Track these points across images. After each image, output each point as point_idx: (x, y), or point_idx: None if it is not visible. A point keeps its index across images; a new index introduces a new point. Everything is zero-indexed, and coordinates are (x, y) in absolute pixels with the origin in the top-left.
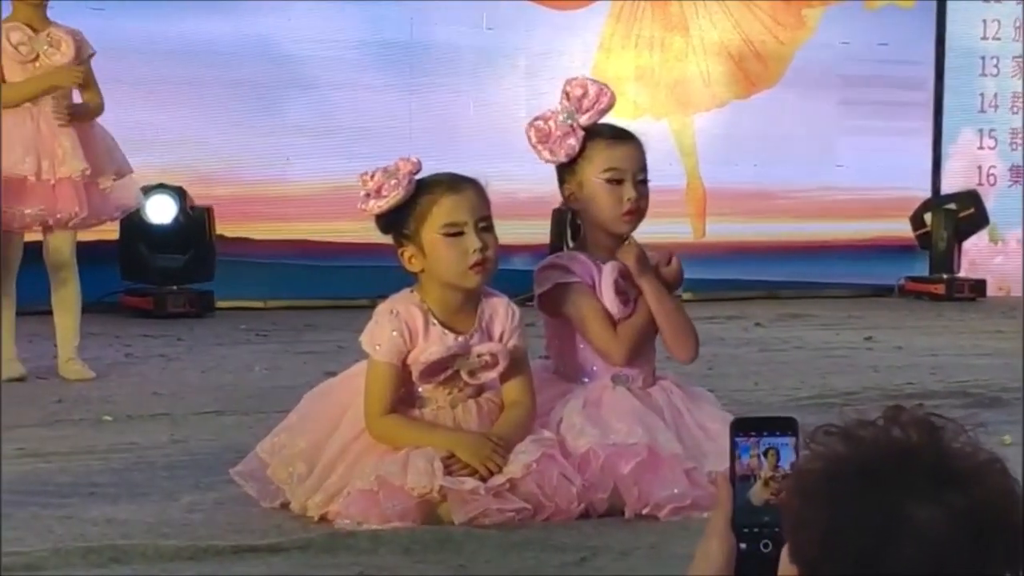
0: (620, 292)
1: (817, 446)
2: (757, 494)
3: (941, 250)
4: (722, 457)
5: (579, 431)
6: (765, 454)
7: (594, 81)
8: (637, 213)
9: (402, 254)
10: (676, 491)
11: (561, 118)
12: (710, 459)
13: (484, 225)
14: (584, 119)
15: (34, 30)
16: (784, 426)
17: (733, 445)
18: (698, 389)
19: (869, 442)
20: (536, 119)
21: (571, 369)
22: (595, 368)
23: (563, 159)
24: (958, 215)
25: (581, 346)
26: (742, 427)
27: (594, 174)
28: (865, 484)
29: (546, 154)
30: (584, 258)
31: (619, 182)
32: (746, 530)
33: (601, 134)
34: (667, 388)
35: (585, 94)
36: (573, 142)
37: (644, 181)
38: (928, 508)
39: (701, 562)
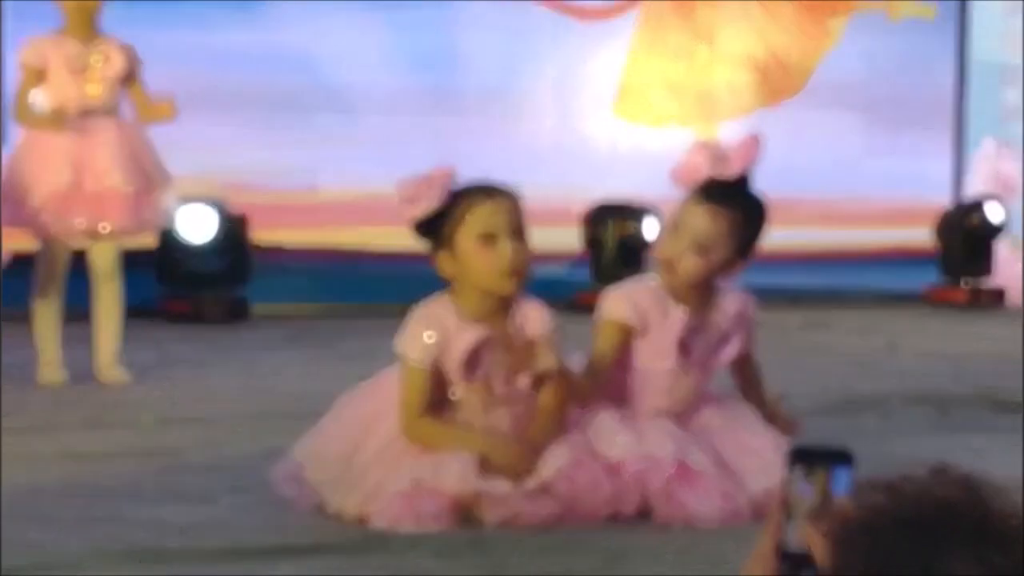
0: (682, 346)
1: (860, 498)
2: (796, 531)
3: (951, 257)
4: (765, 474)
5: (611, 438)
6: (806, 483)
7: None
8: (672, 269)
9: (437, 261)
10: (711, 510)
11: (707, 160)
12: (751, 476)
13: (518, 233)
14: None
15: (85, 43)
16: (840, 457)
17: (787, 470)
18: (740, 408)
19: (911, 496)
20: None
21: (611, 397)
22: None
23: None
24: (965, 222)
25: (626, 379)
26: (798, 456)
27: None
28: (904, 534)
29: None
30: (649, 297)
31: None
32: (792, 555)
33: (701, 191)
34: (706, 415)
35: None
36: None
37: (699, 252)
38: (968, 563)
39: None
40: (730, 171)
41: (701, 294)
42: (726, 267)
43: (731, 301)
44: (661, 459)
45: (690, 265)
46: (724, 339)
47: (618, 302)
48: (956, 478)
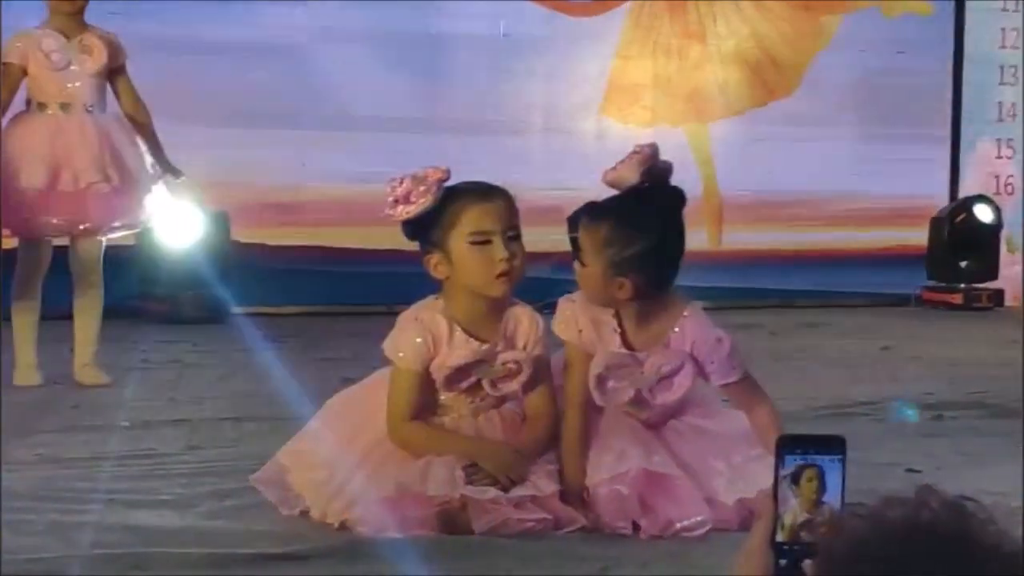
0: (601, 383)
1: (845, 527)
2: (787, 528)
3: (946, 258)
4: (735, 484)
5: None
6: (799, 479)
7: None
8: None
9: (428, 261)
10: (699, 519)
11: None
12: (722, 486)
13: (512, 234)
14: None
15: (67, 36)
16: (831, 445)
17: (779, 462)
18: (712, 425)
19: (898, 525)
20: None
21: None
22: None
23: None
24: (952, 222)
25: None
26: (788, 445)
27: None
28: (890, 565)
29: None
30: (590, 314)
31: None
32: (786, 547)
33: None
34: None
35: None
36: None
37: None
38: None
39: None
40: (606, 183)
41: (636, 321)
42: (609, 285)
43: (683, 336)
44: (623, 477)
45: (577, 275)
46: (668, 377)
47: (562, 320)
48: (942, 503)
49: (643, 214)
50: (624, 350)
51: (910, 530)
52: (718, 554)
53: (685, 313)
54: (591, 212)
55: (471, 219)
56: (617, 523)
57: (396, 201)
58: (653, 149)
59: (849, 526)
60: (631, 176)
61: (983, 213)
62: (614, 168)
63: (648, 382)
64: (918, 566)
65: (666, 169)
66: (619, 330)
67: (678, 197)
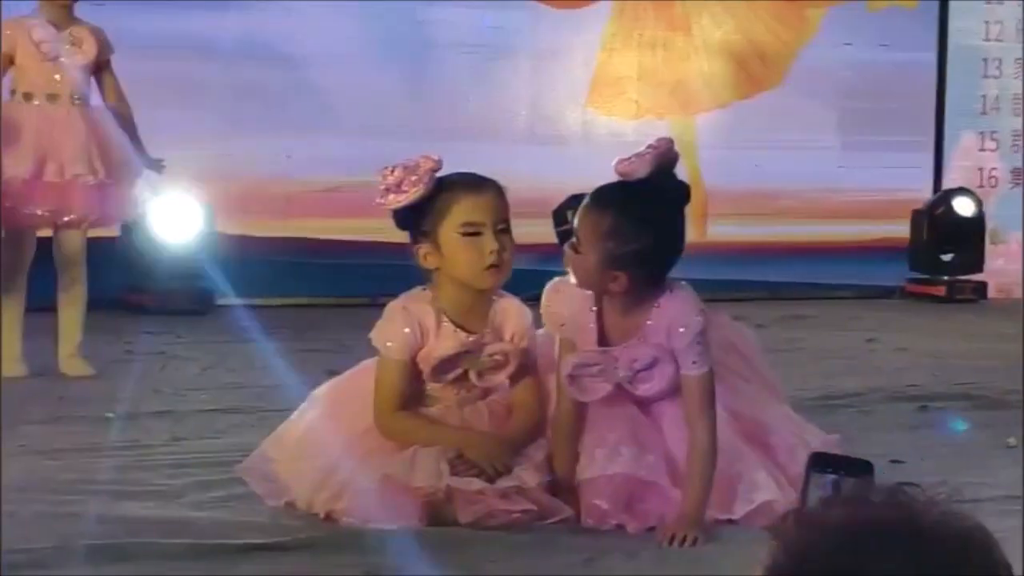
0: (575, 381)
1: (788, 536)
2: None
3: (929, 251)
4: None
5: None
6: None
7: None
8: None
9: (418, 251)
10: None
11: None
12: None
13: (502, 227)
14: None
15: (57, 28)
16: (860, 470)
17: (807, 477)
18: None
19: (842, 525)
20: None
21: None
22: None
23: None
24: (932, 214)
25: None
26: (819, 463)
27: None
28: (841, 570)
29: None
30: (573, 303)
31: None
32: None
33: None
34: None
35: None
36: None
37: (573, 247)
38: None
39: None
40: (618, 172)
41: (619, 310)
42: (603, 277)
43: (656, 325)
44: (615, 480)
45: (566, 260)
46: (645, 369)
47: (545, 314)
48: (881, 494)
49: (650, 210)
50: (597, 348)
51: (854, 528)
52: (703, 547)
53: (658, 303)
54: (595, 198)
55: (462, 210)
56: (601, 525)
57: (388, 190)
58: (670, 144)
59: (792, 534)
60: (644, 170)
61: (963, 206)
62: (629, 160)
63: (624, 377)
64: (868, 561)
65: (674, 160)
66: (596, 325)
67: (684, 193)
